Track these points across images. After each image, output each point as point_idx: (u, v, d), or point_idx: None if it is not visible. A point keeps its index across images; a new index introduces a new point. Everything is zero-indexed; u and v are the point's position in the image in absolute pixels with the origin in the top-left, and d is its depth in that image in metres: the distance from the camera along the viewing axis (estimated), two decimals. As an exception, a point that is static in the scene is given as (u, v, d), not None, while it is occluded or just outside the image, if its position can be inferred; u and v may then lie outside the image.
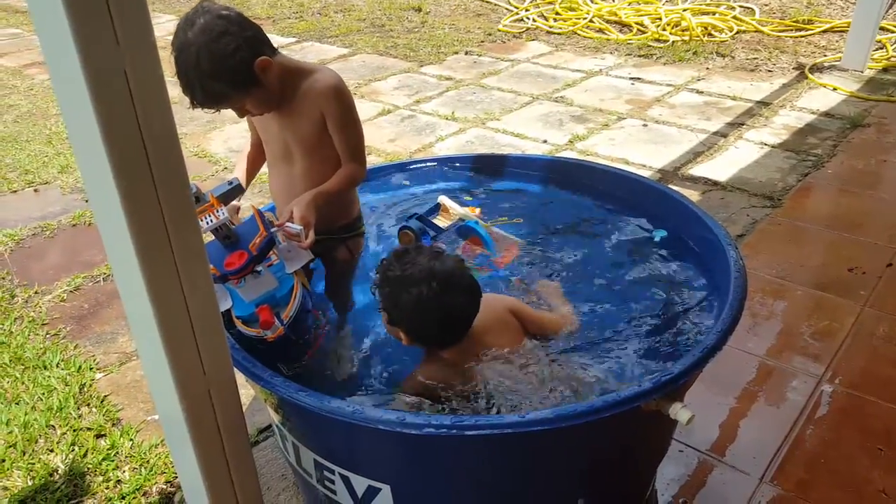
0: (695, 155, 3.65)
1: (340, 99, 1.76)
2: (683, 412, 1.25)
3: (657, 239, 1.99)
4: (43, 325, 2.53)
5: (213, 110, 1.70)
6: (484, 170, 2.43)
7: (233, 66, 1.58)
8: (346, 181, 1.83)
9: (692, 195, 3.16)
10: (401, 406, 1.47)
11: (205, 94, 1.60)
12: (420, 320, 1.49)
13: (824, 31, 5.50)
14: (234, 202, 1.87)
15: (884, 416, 1.92)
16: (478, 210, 2.23)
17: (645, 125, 4.05)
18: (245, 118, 1.90)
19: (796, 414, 1.94)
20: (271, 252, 1.61)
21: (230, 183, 1.67)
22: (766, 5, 6.09)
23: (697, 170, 3.48)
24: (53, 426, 2.04)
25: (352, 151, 1.82)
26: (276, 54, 1.72)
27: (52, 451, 1.95)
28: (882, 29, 5.07)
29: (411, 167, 2.43)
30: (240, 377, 1.30)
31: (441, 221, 2.14)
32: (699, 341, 1.38)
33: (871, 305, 2.38)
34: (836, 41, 5.28)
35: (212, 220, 1.52)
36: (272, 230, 1.60)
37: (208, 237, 1.59)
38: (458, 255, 1.99)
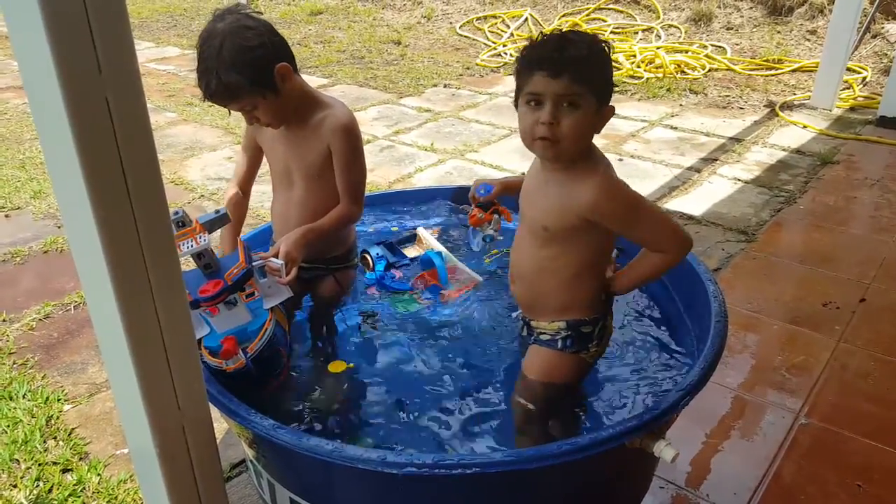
0: (670, 189, 3.71)
1: (350, 139, 1.76)
2: (668, 450, 1.24)
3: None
4: (10, 354, 2.45)
5: (223, 106, 1.66)
6: (461, 201, 2.43)
7: (253, 60, 1.57)
8: (340, 220, 1.81)
9: (669, 229, 3.19)
10: None
11: (220, 84, 1.57)
12: None
13: (793, 71, 5.66)
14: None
15: (862, 451, 1.93)
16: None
17: (620, 159, 4.10)
18: (243, 145, 1.91)
19: (775, 449, 1.94)
20: (254, 287, 1.59)
21: (217, 212, 1.66)
22: (737, 45, 6.27)
23: (672, 204, 3.52)
24: (17, 460, 1.96)
25: (352, 192, 1.81)
26: (299, 75, 1.72)
27: (15, 486, 1.88)
28: (849, 69, 5.24)
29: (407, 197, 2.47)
30: (213, 411, 1.26)
31: (413, 251, 2.17)
32: (681, 378, 1.38)
33: (845, 340, 2.41)
34: (805, 80, 5.44)
35: (193, 245, 1.50)
36: (255, 263, 1.58)
37: (190, 264, 1.58)
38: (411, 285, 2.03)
